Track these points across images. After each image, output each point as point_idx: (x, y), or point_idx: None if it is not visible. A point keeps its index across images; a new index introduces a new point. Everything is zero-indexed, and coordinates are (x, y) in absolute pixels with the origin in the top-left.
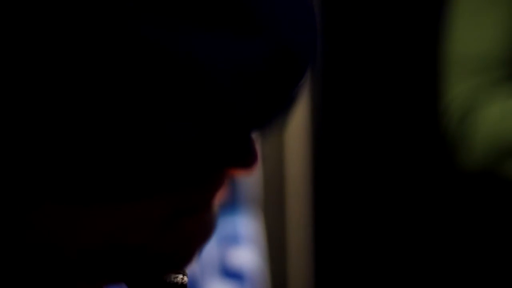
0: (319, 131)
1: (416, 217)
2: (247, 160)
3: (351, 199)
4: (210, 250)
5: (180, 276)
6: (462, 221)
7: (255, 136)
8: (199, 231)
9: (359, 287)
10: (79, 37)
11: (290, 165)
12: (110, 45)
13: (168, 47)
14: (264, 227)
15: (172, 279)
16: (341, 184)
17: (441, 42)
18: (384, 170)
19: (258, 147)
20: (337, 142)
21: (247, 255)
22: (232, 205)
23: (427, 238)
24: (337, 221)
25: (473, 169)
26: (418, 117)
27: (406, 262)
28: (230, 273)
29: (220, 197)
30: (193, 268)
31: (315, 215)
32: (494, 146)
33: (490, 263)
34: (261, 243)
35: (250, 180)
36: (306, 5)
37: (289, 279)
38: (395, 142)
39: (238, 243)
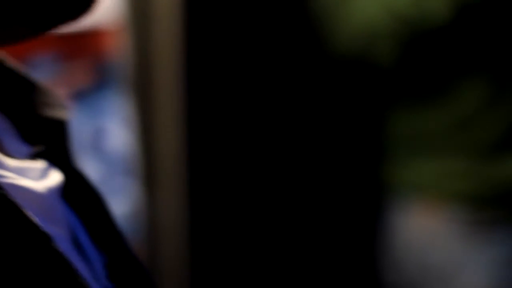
0: (191, 10)
1: (284, 106)
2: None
3: (225, 79)
4: (80, 128)
5: (62, 111)
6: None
7: None
8: None
9: (229, 172)
10: None
11: (160, 43)
12: None
13: None
14: (134, 107)
15: (53, 114)
16: (213, 62)
17: None
18: (253, 54)
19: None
20: (208, 22)
21: (118, 134)
22: (103, 84)
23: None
24: (209, 98)
25: (342, 53)
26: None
27: (276, 173)
28: (101, 151)
29: None
30: None
31: (186, 94)
32: (363, 31)
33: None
34: (131, 122)
35: (120, 59)
36: None
37: (159, 158)
38: (264, 28)
39: (109, 122)
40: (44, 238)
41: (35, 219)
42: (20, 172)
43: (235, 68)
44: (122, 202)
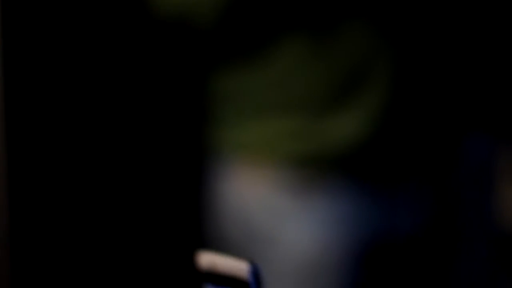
0: None
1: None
2: None
3: (47, 63)
4: None
5: None
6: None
7: None
8: None
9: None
10: None
11: None
12: None
13: None
14: None
15: None
16: (32, 43)
17: None
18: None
19: None
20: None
21: None
22: None
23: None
24: (30, 89)
25: (161, 15)
26: None
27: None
28: None
29: None
30: None
31: (5, 86)
32: None
33: None
34: None
35: None
36: None
37: None
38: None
39: None
40: None
41: None
42: None
43: (58, 53)
44: None
